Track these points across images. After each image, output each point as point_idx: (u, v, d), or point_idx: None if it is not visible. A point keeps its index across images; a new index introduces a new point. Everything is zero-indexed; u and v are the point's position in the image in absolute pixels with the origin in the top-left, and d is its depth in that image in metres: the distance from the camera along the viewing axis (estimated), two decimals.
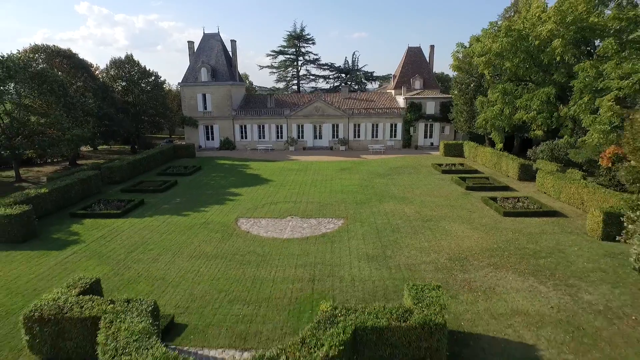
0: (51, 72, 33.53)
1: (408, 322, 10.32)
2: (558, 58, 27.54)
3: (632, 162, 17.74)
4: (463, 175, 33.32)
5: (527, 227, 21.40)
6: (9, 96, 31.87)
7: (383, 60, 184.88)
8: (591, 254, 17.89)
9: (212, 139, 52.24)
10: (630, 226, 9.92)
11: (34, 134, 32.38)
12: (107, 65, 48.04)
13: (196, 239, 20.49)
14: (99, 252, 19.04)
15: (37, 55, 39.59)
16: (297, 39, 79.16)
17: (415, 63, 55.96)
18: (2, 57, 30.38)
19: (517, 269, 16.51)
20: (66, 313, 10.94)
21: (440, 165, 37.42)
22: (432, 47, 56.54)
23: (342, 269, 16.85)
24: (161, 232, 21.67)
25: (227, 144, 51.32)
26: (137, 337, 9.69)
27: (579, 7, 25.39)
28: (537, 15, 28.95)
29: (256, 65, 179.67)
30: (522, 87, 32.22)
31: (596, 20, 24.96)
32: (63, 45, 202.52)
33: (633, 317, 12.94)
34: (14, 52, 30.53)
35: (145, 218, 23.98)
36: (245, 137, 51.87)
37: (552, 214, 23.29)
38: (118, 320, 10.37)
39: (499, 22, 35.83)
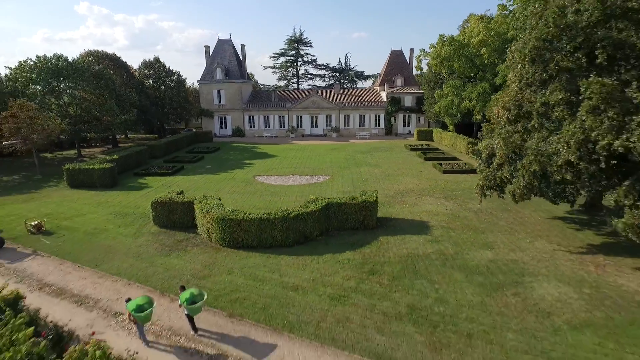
0: (106, 71, 43.05)
1: (355, 201, 19.92)
2: (486, 61, 37.23)
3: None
4: (425, 151, 42.91)
5: (455, 178, 31.02)
6: (75, 91, 41.41)
7: (383, 60, 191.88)
8: None
9: (225, 127, 61.83)
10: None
11: (93, 120, 41.90)
12: (139, 66, 57.75)
13: (228, 185, 30.07)
14: (165, 191, 28.55)
15: (90, 58, 49.14)
16: (297, 42, 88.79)
17: (398, 64, 65.52)
18: (73, 60, 39.96)
19: (436, 196, 26.12)
20: (174, 200, 20.53)
21: (410, 145, 46.97)
22: (412, 50, 66.25)
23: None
24: (203, 182, 31.26)
25: (238, 132, 60.91)
26: (216, 205, 19.29)
27: (500, 25, 35.02)
28: (473, 29, 38.66)
29: (258, 65, 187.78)
30: (470, 83, 41.82)
31: (513, 34, 34.53)
32: (63, 45, 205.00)
33: (490, 212, 22.56)
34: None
35: (189, 176, 33.57)
36: (253, 126, 61.45)
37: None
38: (203, 201, 19.97)
39: (456, 32, 45.38)
